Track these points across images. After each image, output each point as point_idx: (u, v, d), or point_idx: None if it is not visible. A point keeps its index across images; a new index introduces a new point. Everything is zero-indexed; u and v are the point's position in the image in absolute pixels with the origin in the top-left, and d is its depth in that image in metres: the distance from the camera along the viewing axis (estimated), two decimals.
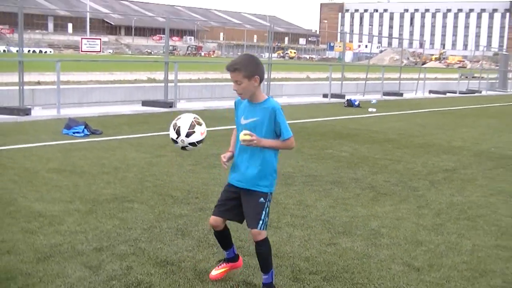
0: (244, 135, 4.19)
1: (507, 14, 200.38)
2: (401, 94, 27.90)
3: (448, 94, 31.35)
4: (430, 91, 30.99)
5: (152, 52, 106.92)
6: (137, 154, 10.03)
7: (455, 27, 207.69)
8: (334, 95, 23.95)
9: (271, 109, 4.25)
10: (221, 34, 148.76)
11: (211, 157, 9.89)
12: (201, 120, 4.51)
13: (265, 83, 20.79)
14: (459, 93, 32.43)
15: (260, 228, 4.35)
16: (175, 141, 4.46)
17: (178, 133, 4.42)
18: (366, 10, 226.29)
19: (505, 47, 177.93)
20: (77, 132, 11.66)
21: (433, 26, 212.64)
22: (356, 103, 21.57)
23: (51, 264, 4.93)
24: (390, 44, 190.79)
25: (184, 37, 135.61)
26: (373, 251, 5.67)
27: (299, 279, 4.90)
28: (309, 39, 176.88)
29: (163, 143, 11.22)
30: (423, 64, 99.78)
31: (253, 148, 4.28)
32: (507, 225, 6.82)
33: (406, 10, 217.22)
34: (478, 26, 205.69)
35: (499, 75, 39.33)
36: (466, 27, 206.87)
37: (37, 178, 7.95)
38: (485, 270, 5.29)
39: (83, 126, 11.83)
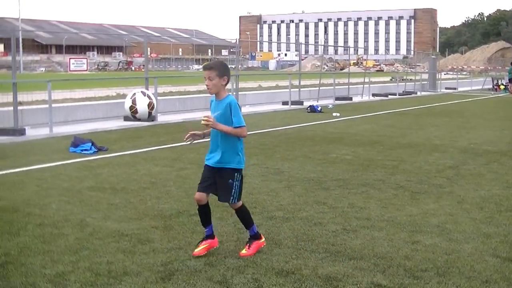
0: (203, 119, 5.13)
1: (412, 21, 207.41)
2: (351, 98, 28.40)
3: (389, 96, 32.08)
4: (373, 94, 31.63)
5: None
6: (160, 168, 9.82)
7: (366, 33, 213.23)
8: (293, 102, 24.11)
9: (228, 103, 5.22)
10: (148, 49, 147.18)
11: None
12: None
13: (234, 93, 20.73)
14: (399, 95, 33.26)
15: (232, 201, 5.31)
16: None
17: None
18: (282, 21, 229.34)
19: (412, 50, 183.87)
20: (85, 150, 11.31)
21: (345, 33, 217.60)
22: (319, 108, 21.80)
23: (179, 282, 4.76)
24: (307, 52, 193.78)
25: (113, 53, 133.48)
26: (457, 246, 5.77)
27: (417, 277, 4.92)
28: (231, 50, 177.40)
29: (175, 156, 11.07)
30: (341, 69, 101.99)
31: (222, 136, 5.23)
32: None
33: (320, 20, 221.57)
34: (387, 32, 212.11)
35: (429, 76, 40.62)
36: (376, 33, 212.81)
37: (85, 197, 7.68)
38: None
39: (90, 144, 11.49)
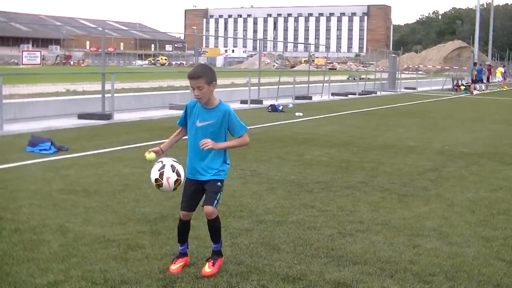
0: (201, 145, 4.86)
1: (365, 18, 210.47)
2: (310, 98, 28.65)
3: (349, 96, 32.52)
4: (333, 94, 32.00)
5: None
6: (130, 170, 9.73)
7: (317, 30, 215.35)
8: (252, 101, 24.17)
9: (224, 112, 4.96)
10: (87, 42, 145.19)
11: None
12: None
13: (188, 91, 20.65)
14: (358, 94, 33.74)
15: (215, 205, 5.03)
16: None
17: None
18: (230, 16, 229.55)
19: (364, 48, 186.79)
20: (44, 150, 11.10)
21: (296, 30, 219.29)
22: (280, 108, 21.92)
23: None
24: (255, 48, 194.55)
25: (49, 46, 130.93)
26: (459, 250, 5.93)
27: (427, 282, 5.04)
28: (176, 45, 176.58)
29: (142, 157, 10.89)
30: (292, 67, 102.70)
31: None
32: None
33: (270, 15, 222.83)
34: (339, 29, 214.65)
35: (389, 76, 41.33)
36: (328, 30, 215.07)
37: (57, 201, 7.54)
38: None
39: (50, 143, 11.29)
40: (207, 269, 5.11)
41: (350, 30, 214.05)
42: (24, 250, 5.62)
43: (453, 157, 11.90)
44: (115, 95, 17.44)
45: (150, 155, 5.17)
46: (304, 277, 5.09)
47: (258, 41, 25.65)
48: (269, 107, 22.09)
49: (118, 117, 17.03)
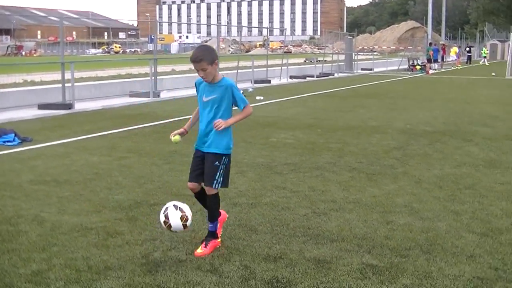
0: (216, 127, 5.18)
1: (319, 1, 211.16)
2: (269, 81, 28.78)
3: (308, 78, 32.73)
4: (291, 76, 32.17)
5: None
6: (98, 158, 9.72)
7: (271, 14, 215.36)
8: None
9: (227, 87, 5.24)
10: (39, 32, 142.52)
11: (175, 155, 9.89)
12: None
13: (152, 78, 20.60)
14: (316, 77, 33.99)
15: (215, 186, 5.30)
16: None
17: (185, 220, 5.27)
18: (183, 2, 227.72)
19: (319, 31, 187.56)
20: (8, 141, 10.98)
21: (249, 14, 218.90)
22: (241, 92, 21.93)
23: (168, 274, 4.85)
24: (209, 34, 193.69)
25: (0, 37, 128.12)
26: (431, 225, 6.14)
27: (404, 255, 5.23)
28: (129, 32, 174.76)
29: (108, 145, 10.97)
30: (247, 51, 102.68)
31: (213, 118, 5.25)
32: (502, 189, 7.63)
33: (223, 0, 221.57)
34: (293, 12, 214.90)
35: (345, 58, 41.72)
36: (282, 13, 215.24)
37: (29, 192, 7.52)
38: None
39: (13, 134, 11.17)
40: (199, 250, 5.28)
41: (304, 13, 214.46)
42: (2, 241, 5.63)
43: (416, 136, 12.18)
44: (75, 84, 17.26)
45: (175, 138, 5.40)
46: (285, 256, 5.23)
47: (216, 26, 25.56)
48: None
49: (79, 106, 16.88)
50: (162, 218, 5.24)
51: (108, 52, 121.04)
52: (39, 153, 10.24)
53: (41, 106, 16.24)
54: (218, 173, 5.29)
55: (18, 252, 5.31)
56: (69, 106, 16.29)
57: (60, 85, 17.20)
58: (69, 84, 16.85)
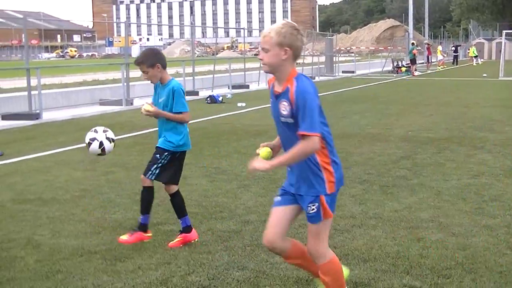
0: (143, 110, 5.83)
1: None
2: (248, 86, 28.73)
3: None
4: None
5: None
6: (82, 173, 9.56)
7: (238, 13, 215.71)
8: (187, 92, 24.01)
9: (170, 89, 5.79)
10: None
11: None
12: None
13: (125, 84, 20.40)
14: None
15: (149, 177, 5.95)
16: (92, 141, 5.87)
17: (96, 131, 5.92)
18: (142, 1, 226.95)
19: None
20: None
21: (214, 14, 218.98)
22: (220, 99, 21.91)
23: None
24: (171, 35, 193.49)
25: None
26: (466, 241, 6.11)
27: (446, 276, 5.18)
28: (84, 35, 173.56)
29: (89, 158, 10.74)
30: (215, 54, 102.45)
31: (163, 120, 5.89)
32: None
33: None
34: (261, 11, 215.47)
35: (326, 59, 41.77)
36: (249, 13, 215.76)
37: (13, 212, 7.33)
38: None
39: None
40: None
41: (273, 12, 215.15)
42: None
43: (421, 143, 12.21)
44: (42, 92, 17.00)
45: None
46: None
47: (195, 28, 25.49)
48: (208, 99, 22.04)
49: (47, 116, 16.64)
50: (98, 152, 5.89)
51: (63, 56, 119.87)
52: (14, 168, 10.02)
53: (5, 117, 15.97)
54: (155, 165, 5.86)
55: (19, 282, 5.15)
56: (37, 116, 16.04)
57: (24, 93, 16.91)
58: (36, 92, 16.59)
